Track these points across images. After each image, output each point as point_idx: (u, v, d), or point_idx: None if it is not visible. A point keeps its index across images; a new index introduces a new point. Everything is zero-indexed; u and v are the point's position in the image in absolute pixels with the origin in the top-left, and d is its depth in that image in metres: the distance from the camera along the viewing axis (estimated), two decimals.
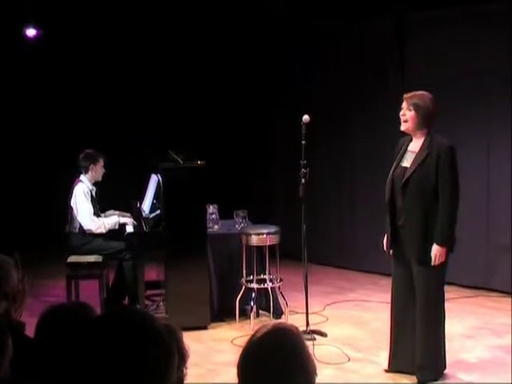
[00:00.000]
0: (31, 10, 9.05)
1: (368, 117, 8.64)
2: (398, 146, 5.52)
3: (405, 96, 5.38)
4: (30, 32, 9.36)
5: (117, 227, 7.23)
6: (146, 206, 7.37)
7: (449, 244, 5.28)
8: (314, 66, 9.16)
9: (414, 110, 5.28)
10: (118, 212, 7.54)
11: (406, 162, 5.36)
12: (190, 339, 2.66)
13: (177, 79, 9.96)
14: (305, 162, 6.44)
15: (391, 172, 5.43)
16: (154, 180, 7.37)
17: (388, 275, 5.79)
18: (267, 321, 6.89)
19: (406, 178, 5.28)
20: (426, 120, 5.30)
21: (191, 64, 9.94)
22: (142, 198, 7.59)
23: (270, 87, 9.70)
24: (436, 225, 5.22)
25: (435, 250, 5.22)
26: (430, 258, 5.23)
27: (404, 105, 5.35)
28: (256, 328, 2.18)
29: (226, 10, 9.44)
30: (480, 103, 7.71)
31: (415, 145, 5.37)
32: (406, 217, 5.31)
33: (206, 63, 9.93)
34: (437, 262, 5.22)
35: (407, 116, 5.31)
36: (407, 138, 5.47)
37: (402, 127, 5.37)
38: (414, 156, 5.33)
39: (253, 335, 2.11)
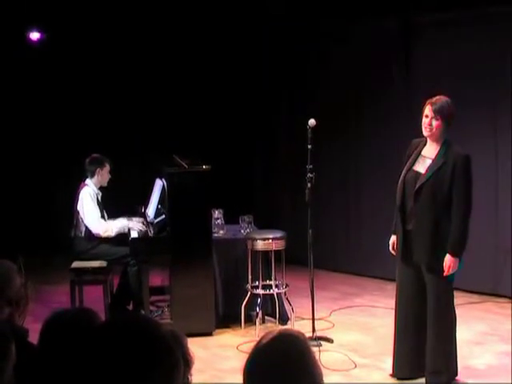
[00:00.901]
0: (35, 14, 9.05)
1: (372, 119, 8.61)
2: (409, 149, 5.47)
3: (428, 102, 5.28)
4: (34, 35, 9.36)
5: (126, 231, 7.19)
6: (150, 210, 7.34)
7: (461, 254, 5.26)
8: (315, 66, 9.12)
9: (441, 118, 5.21)
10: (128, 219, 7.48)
11: (419, 167, 5.32)
12: (194, 345, 2.63)
13: (178, 82, 9.94)
14: (311, 166, 6.41)
15: (402, 175, 5.39)
16: (158, 185, 7.34)
17: (395, 280, 5.75)
18: (273, 327, 6.86)
19: (419, 184, 5.25)
20: (449, 126, 5.26)
21: (191, 66, 9.91)
22: (146, 203, 7.56)
23: (270, 87, 9.66)
24: (446, 233, 5.21)
25: (448, 260, 5.20)
26: (441, 265, 5.21)
27: (428, 112, 5.24)
28: (261, 334, 2.15)
29: (226, 11, 9.41)
30: (486, 104, 7.68)
31: (430, 150, 5.32)
32: (417, 223, 5.29)
33: (206, 64, 9.90)
34: (450, 272, 5.22)
35: (433, 125, 5.23)
36: (420, 140, 5.41)
37: (427, 133, 5.28)
38: (428, 162, 5.29)
39: (259, 342, 2.08)
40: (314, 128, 6.41)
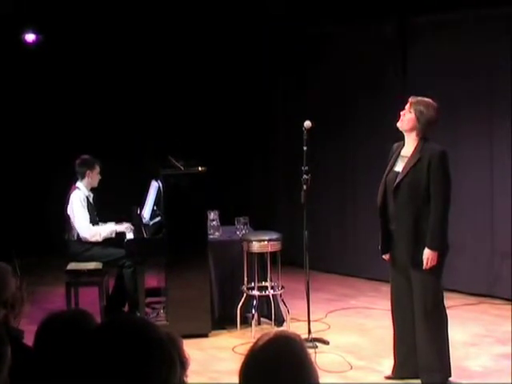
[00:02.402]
0: (30, 15, 9.04)
1: (370, 120, 8.61)
2: (391, 152, 5.57)
3: (411, 99, 5.38)
4: (30, 37, 9.35)
5: (113, 236, 7.20)
6: (146, 212, 7.34)
7: (440, 248, 5.28)
8: (314, 66, 9.12)
9: (415, 114, 5.31)
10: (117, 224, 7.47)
11: (399, 167, 5.41)
12: (190, 347, 2.62)
13: (175, 82, 9.92)
14: (306, 167, 6.42)
15: (384, 177, 5.47)
16: (154, 186, 7.34)
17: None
18: (268, 328, 6.85)
19: (397, 182, 5.32)
20: (424, 127, 5.33)
21: (190, 66, 9.89)
22: (142, 205, 7.55)
23: (269, 88, 9.65)
24: (427, 229, 5.25)
25: (426, 253, 5.24)
26: (422, 261, 5.23)
27: (408, 106, 5.37)
28: (257, 336, 2.15)
29: (226, 11, 9.39)
30: (483, 105, 7.69)
31: (408, 150, 5.40)
32: (398, 221, 5.35)
33: (205, 64, 9.88)
34: (428, 266, 5.24)
35: (406, 117, 5.35)
36: (400, 143, 5.50)
37: (398, 123, 5.41)
38: (405, 161, 5.34)
39: (255, 343, 2.08)
40: (309, 129, 6.42)
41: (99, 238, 7.10)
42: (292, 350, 2.04)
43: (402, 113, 5.39)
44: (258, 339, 2.08)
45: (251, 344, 2.08)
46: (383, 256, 5.56)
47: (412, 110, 5.31)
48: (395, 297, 5.55)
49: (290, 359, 2.02)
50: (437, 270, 5.31)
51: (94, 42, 9.61)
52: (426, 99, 5.40)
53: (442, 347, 5.38)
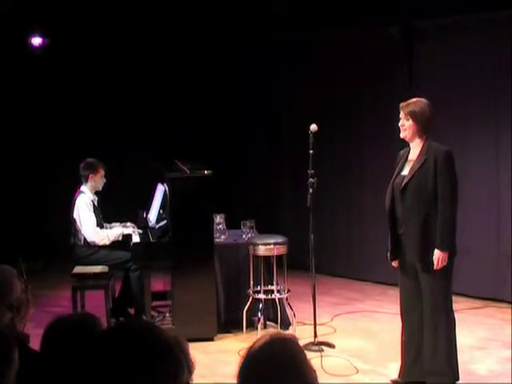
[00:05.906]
0: (37, 19, 9.07)
1: (376, 124, 8.61)
2: (398, 159, 5.57)
3: (401, 105, 5.41)
4: (36, 41, 9.39)
5: (120, 238, 7.20)
6: (152, 215, 7.35)
7: (450, 249, 5.28)
8: (319, 69, 9.12)
9: (412, 118, 5.32)
10: (122, 224, 7.48)
11: (406, 171, 5.42)
12: (196, 350, 2.62)
13: (180, 87, 9.94)
14: (312, 171, 6.42)
15: (391, 181, 5.47)
16: (160, 190, 7.34)
17: (397, 285, 5.75)
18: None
19: (404, 183, 5.31)
20: (425, 126, 5.35)
21: (192, 70, 9.91)
22: (148, 208, 7.56)
23: (270, 89, 9.65)
24: (435, 231, 5.24)
25: (437, 254, 5.23)
26: (432, 263, 5.23)
27: (401, 115, 5.38)
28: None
29: (227, 12, 9.40)
30: (488, 106, 7.69)
31: (414, 153, 5.42)
32: (406, 224, 5.34)
33: (206, 66, 9.89)
34: (439, 267, 5.23)
35: (406, 126, 5.36)
36: (406, 149, 5.51)
37: (401, 134, 5.42)
38: (412, 164, 5.36)
39: (250, 347, 2.10)
40: (316, 133, 6.42)
41: (107, 242, 7.11)
42: (288, 351, 2.05)
43: (400, 124, 5.39)
44: (254, 342, 2.08)
45: (247, 347, 2.09)
46: (392, 263, 5.54)
47: (408, 116, 5.33)
48: (404, 300, 5.54)
49: (286, 360, 2.02)
50: (447, 272, 5.29)
51: (99, 45, 9.64)
52: (414, 99, 5.42)
53: (450, 351, 5.36)
